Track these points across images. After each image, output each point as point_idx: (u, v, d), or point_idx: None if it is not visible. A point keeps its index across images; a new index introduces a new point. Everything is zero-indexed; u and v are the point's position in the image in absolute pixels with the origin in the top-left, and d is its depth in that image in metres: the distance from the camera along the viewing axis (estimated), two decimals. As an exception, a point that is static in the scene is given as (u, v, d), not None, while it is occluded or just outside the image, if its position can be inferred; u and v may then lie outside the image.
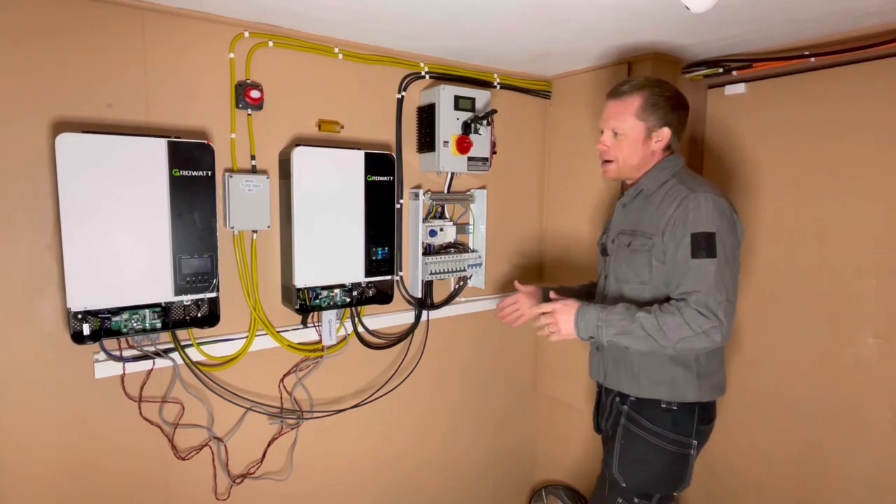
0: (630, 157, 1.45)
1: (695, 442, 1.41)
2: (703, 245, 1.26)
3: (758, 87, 1.88)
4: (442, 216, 2.00)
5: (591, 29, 1.60)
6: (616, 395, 1.52)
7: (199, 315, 1.48)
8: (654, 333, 1.25)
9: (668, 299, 1.34)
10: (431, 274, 1.93)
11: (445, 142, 1.81)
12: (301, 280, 1.57)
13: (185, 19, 1.46)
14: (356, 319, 1.83)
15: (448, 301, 2.06)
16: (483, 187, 2.08)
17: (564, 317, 1.37)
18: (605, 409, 1.58)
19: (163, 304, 1.41)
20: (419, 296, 1.94)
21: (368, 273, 1.70)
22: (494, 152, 2.03)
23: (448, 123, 1.81)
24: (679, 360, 1.39)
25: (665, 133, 1.43)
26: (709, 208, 1.29)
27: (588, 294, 1.72)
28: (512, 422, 2.38)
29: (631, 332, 1.28)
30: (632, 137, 1.43)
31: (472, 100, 1.85)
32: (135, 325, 1.39)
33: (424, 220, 1.92)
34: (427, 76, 1.89)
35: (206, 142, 1.40)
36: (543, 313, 1.41)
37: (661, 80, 1.45)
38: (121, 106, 1.40)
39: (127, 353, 1.44)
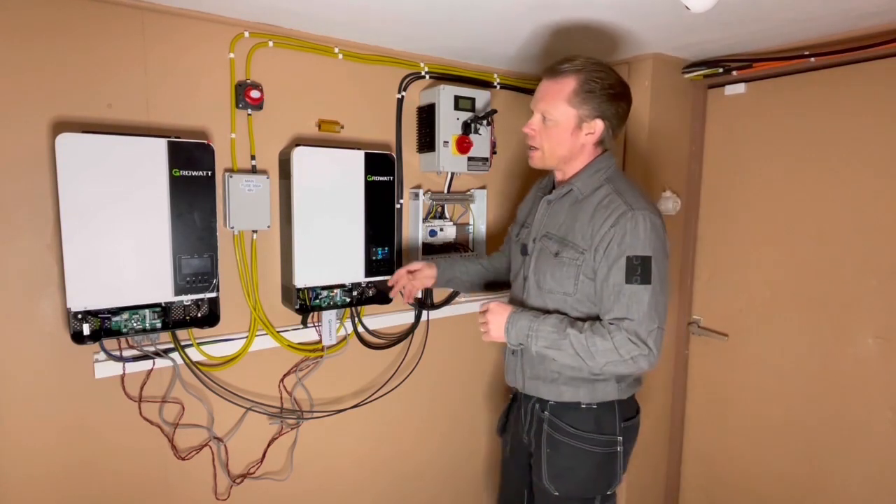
0: (557, 148, 1.32)
1: (620, 438, 1.37)
2: (638, 270, 1.20)
3: (758, 87, 1.88)
4: (442, 216, 2.00)
5: (591, 29, 1.60)
6: (535, 401, 1.44)
7: (199, 315, 1.48)
8: (582, 353, 1.22)
9: (596, 317, 1.29)
10: (431, 274, 1.93)
11: (445, 142, 1.81)
12: (301, 280, 1.57)
13: (185, 19, 1.46)
14: (356, 319, 1.83)
15: (448, 301, 2.06)
16: (483, 187, 2.08)
17: (496, 318, 1.32)
18: (525, 418, 1.48)
19: (163, 304, 1.41)
20: (419, 296, 1.94)
21: (368, 273, 1.70)
22: (494, 152, 2.03)
23: (448, 123, 1.81)
24: None
25: (598, 126, 1.30)
26: (646, 229, 1.22)
27: (473, 282, 1.70)
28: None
29: (560, 347, 1.24)
30: (561, 125, 1.29)
31: (472, 100, 1.85)
32: (135, 325, 1.39)
33: (424, 220, 1.92)
34: (427, 76, 1.89)
35: (206, 142, 1.39)
36: (479, 312, 1.36)
37: (605, 66, 1.29)
38: (121, 106, 1.40)
39: (127, 353, 1.44)
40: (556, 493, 1.39)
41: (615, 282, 1.22)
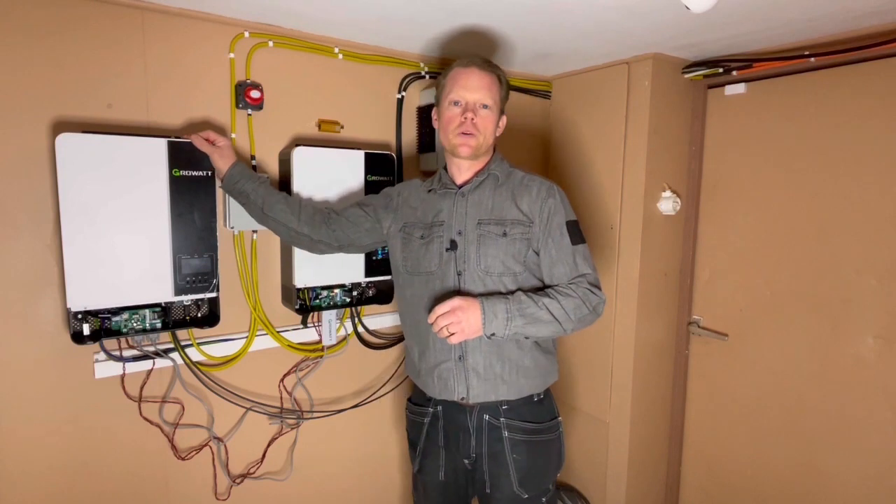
0: (490, 136, 1.36)
1: (560, 419, 1.45)
2: (577, 231, 1.35)
3: (758, 87, 1.88)
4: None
5: (591, 29, 1.60)
6: (480, 412, 1.36)
7: (199, 315, 1.48)
8: (559, 317, 1.26)
9: (539, 290, 1.32)
10: (431, 274, 1.93)
11: (445, 142, 1.81)
12: (301, 280, 1.57)
13: (185, 19, 1.46)
14: (356, 319, 1.83)
15: (448, 301, 2.06)
16: (483, 187, 2.08)
17: (469, 314, 1.23)
18: (471, 435, 1.38)
19: (163, 304, 1.41)
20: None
21: (368, 273, 1.70)
22: (494, 152, 2.03)
23: (448, 123, 1.81)
24: (544, 348, 1.40)
25: (504, 121, 1.42)
26: (565, 199, 1.38)
27: (274, 219, 1.43)
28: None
29: (539, 318, 1.25)
30: (494, 114, 1.36)
31: (472, 100, 1.85)
32: (135, 325, 1.39)
33: (424, 220, 1.92)
34: (427, 76, 1.89)
35: (206, 142, 1.39)
36: (441, 315, 1.23)
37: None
38: (121, 106, 1.40)
39: (127, 353, 1.44)
40: (526, 496, 1.37)
41: (564, 246, 1.33)
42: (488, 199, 1.37)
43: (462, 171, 1.41)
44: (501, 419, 1.36)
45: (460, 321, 1.23)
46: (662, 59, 1.89)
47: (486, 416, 1.37)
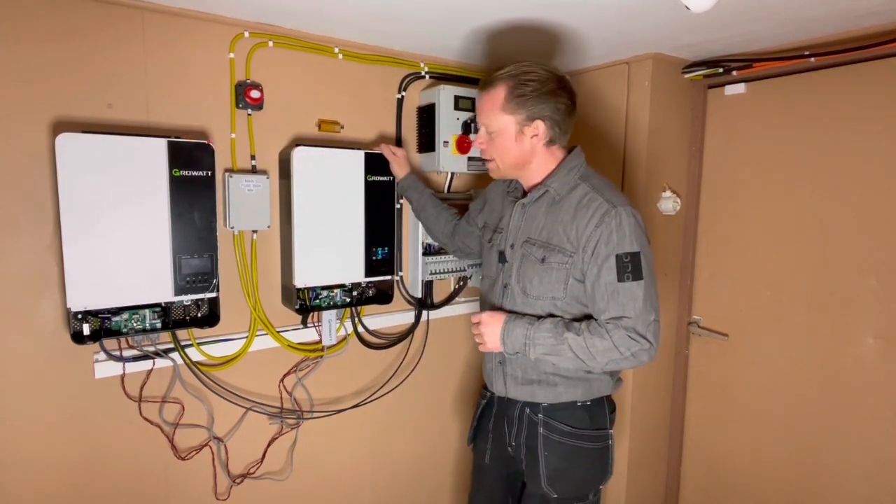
0: (506, 157, 1.32)
1: (611, 432, 1.40)
2: (629, 267, 1.20)
3: (758, 87, 1.88)
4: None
5: (591, 29, 1.60)
6: (524, 406, 1.40)
7: (199, 315, 1.48)
8: (581, 355, 1.22)
9: (585, 317, 1.29)
10: (431, 274, 1.93)
11: (445, 142, 1.81)
12: (301, 280, 1.57)
13: (185, 19, 1.46)
14: (356, 319, 1.83)
15: (448, 301, 2.06)
16: (483, 187, 2.08)
17: (490, 329, 1.31)
18: (512, 424, 1.43)
19: (163, 304, 1.41)
20: (419, 296, 1.94)
21: (368, 273, 1.70)
22: (494, 152, 2.03)
23: (448, 123, 1.81)
24: None
25: (538, 127, 1.28)
26: (630, 225, 1.22)
27: (434, 230, 1.74)
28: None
29: (559, 353, 1.24)
30: (504, 135, 1.29)
31: (472, 100, 1.85)
32: (135, 325, 1.39)
33: (424, 220, 1.92)
34: (427, 76, 1.89)
35: (206, 142, 1.39)
36: (474, 324, 1.36)
37: (537, 65, 1.28)
38: (121, 106, 1.40)
39: (127, 353, 1.44)
40: (555, 496, 1.37)
41: (608, 281, 1.21)
42: (542, 217, 1.33)
43: (525, 181, 1.40)
44: (540, 415, 1.37)
45: (483, 335, 1.32)
46: (662, 59, 1.89)
47: (527, 410, 1.40)
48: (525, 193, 1.40)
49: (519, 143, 1.30)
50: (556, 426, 1.36)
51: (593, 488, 1.41)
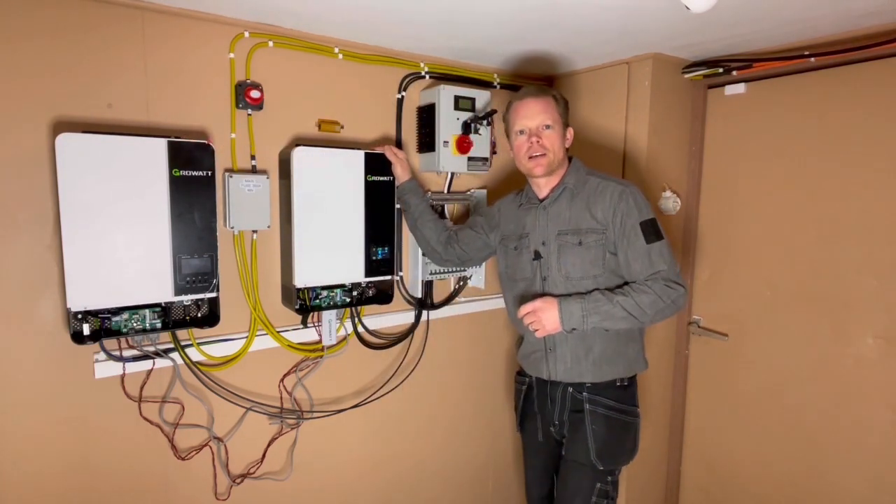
0: (559, 150, 1.52)
1: (639, 410, 1.59)
2: (652, 231, 1.44)
3: (758, 87, 1.88)
4: (442, 216, 2.00)
5: (591, 29, 1.60)
6: (567, 386, 1.57)
7: (199, 315, 1.48)
8: (634, 312, 1.39)
9: (622, 286, 1.47)
10: (431, 274, 1.93)
11: (445, 142, 1.81)
12: (301, 280, 1.57)
13: (186, 19, 1.46)
14: (356, 319, 1.83)
15: (448, 301, 2.06)
16: (483, 187, 2.08)
17: (548, 314, 1.44)
18: (556, 403, 1.61)
19: (163, 304, 1.41)
20: (419, 296, 1.95)
21: (368, 273, 1.70)
22: (494, 152, 2.04)
23: (448, 123, 1.81)
24: (632, 336, 1.55)
25: (571, 133, 1.57)
26: (640, 198, 1.48)
27: (427, 238, 1.77)
28: (512, 422, 2.38)
29: (613, 315, 1.40)
30: (557, 132, 1.52)
31: (472, 100, 1.85)
32: (135, 325, 1.39)
33: (424, 220, 1.92)
34: (427, 76, 1.89)
35: (206, 142, 1.40)
36: (526, 314, 1.48)
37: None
38: (121, 106, 1.40)
39: (127, 353, 1.44)
40: (601, 468, 1.52)
41: (639, 246, 1.44)
42: (566, 211, 1.54)
43: (541, 187, 1.60)
44: (584, 394, 1.54)
45: (541, 320, 1.45)
46: (662, 59, 1.89)
47: (570, 389, 1.57)
48: (539, 200, 1.60)
49: (563, 143, 1.54)
50: (600, 401, 1.53)
51: (627, 461, 1.58)
